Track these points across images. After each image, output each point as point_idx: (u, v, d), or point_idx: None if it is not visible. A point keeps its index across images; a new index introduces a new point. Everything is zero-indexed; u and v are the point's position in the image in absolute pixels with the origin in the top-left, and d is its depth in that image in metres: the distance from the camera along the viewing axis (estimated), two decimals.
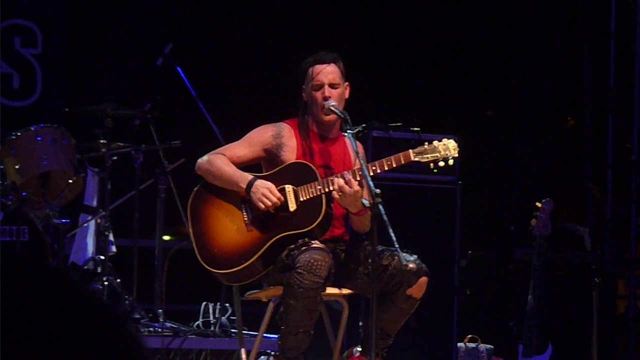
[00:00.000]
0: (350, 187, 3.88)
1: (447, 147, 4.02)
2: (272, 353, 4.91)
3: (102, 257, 5.53)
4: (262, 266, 4.03)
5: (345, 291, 4.14)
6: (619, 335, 6.50)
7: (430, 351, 5.45)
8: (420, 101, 7.32)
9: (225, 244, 4.07)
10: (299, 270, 3.80)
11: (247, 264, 4.00)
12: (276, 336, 4.06)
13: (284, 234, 4.00)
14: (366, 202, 3.80)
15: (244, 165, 4.13)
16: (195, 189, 4.16)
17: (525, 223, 4.71)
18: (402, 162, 3.98)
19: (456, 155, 4.04)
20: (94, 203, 5.79)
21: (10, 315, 1.00)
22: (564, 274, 6.19)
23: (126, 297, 5.43)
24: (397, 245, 3.70)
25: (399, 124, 5.46)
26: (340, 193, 3.90)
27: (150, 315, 5.34)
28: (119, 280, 5.53)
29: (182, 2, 7.35)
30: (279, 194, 3.98)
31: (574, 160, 7.36)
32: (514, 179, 7.35)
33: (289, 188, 4.02)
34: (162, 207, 5.48)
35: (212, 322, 5.42)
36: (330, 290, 4.00)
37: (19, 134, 5.48)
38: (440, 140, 4.05)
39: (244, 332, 4.41)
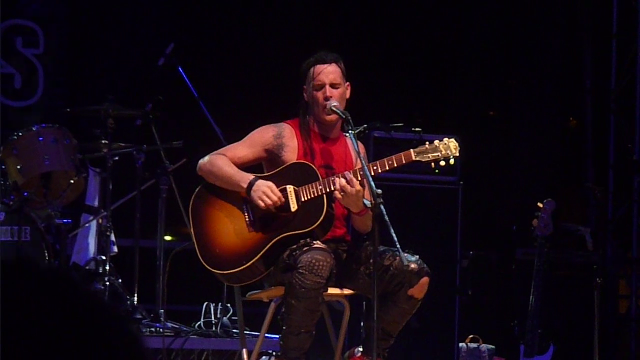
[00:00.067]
0: (352, 186, 3.88)
1: (448, 147, 4.02)
2: (274, 353, 4.91)
3: (104, 257, 5.53)
4: (263, 266, 4.03)
5: (347, 291, 4.14)
6: (620, 335, 6.50)
7: (432, 351, 5.45)
8: (421, 101, 7.32)
9: (226, 244, 4.07)
10: (300, 271, 3.80)
11: (248, 264, 4.00)
12: (278, 336, 4.06)
13: (285, 234, 4.00)
14: (367, 202, 3.80)
15: (245, 166, 4.13)
16: (197, 189, 4.16)
17: (527, 223, 4.71)
18: (403, 161, 3.98)
19: (457, 154, 4.04)
20: (96, 203, 5.79)
21: (11, 315, 1.00)
22: (566, 274, 6.19)
23: (128, 297, 5.43)
24: (398, 246, 3.70)
25: (400, 124, 5.46)
26: (342, 193, 3.90)
27: (152, 315, 5.34)
28: (120, 280, 5.53)
29: (184, 3, 7.35)
30: (279, 193, 3.99)
31: (576, 160, 7.35)
32: (515, 179, 7.35)
33: (290, 188, 4.02)
34: (163, 207, 5.48)
35: (213, 322, 5.42)
36: (331, 290, 4.00)
37: (20, 134, 5.48)
38: (441, 140, 4.05)
39: (245, 332, 4.41)
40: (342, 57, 4.19)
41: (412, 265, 3.93)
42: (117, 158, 5.61)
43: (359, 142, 4.03)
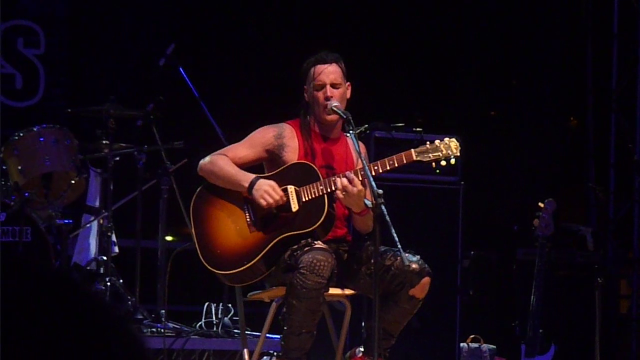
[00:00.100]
0: (354, 186, 3.88)
1: (449, 146, 4.02)
2: (275, 353, 4.91)
3: (105, 258, 5.54)
4: (264, 267, 4.03)
5: (348, 292, 4.14)
6: (621, 335, 6.50)
7: (433, 351, 5.45)
8: (422, 101, 7.32)
9: (227, 244, 4.07)
10: (301, 271, 3.80)
11: (249, 264, 4.00)
12: (279, 337, 4.06)
13: (286, 235, 4.00)
14: (368, 203, 3.80)
15: (246, 166, 4.13)
16: (198, 190, 4.16)
17: (528, 223, 4.71)
18: (404, 161, 3.98)
19: (458, 154, 4.04)
20: (97, 204, 5.79)
21: (12, 315, 1.00)
22: (567, 274, 6.19)
23: (129, 297, 5.43)
24: (399, 246, 3.70)
25: (401, 124, 5.46)
26: (344, 193, 3.89)
27: (153, 315, 5.34)
28: (121, 280, 5.53)
29: (185, 3, 7.35)
30: (281, 192, 3.99)
31: (577, 160, 7.35)
32: (516, 179, 7.35)
33: (291, 188, 4.02)
34: (164, 207, 5.48)
35: (214, 322, 5.42)
36: (332, 290, 4.00)
37: (21, 134, 5.48)
38: (442, 140, 4.05)
39: (246, 332, 4.41)
40: (343, 57, 4.19)
41: (414, 266, 3.93)
42: (118, 158, 5.61)
43: (360, 143, 4.03)
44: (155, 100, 5.58)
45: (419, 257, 3.99)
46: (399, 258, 3.88)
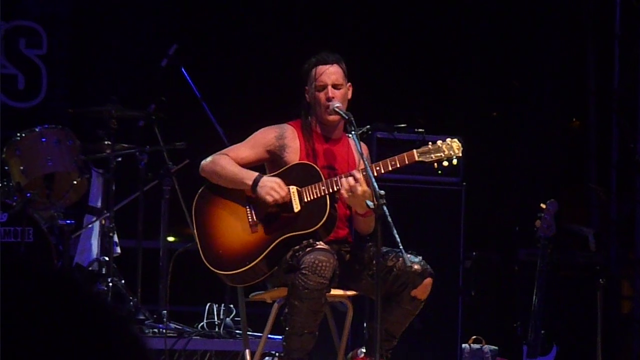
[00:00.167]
0: (360, 185, 3.87)
1: (451, 147, 4.02)
2: (277, 354, 4.91)
3: (107, 258, 5.54)
4: (266, 267, 4.03)
5: (350, 292, 4.14)
6: (623, 336, 6.49)
7: (435, 352, 5.44)
8: (424, 102, 7.32)
9: (229, 245, 4.07)
10: (303, 272, 3.80)
11: (251, 265, 4.01)
12: (281, 337, 4.06)
13: (288, 235, 4.00)
14: (370, 204, 3.80)
15: (248, 167, 4.13)
16: (200, 190, 4.16)
17: (530, 224, 4.71)
18: (406, 162, 3.98)
19: (460, 155, 4.04)
20: (99, 204, 5.79)
21: (13, 316, 1.00)
22: (569, 274, 6.19)
23: (130, 298, 5.44)
24: (401, 247, 3.70)
25: (403, 125, 5.46)
26: (349, 193, 3.89)
27: (155, 316, 5.34)
28: (123, 281, 5.54)
29: (187, 3, 7.35)
30: (286, 188, 3.99)
31: (578, 161, 7.35)
32: (518, 180, 7.35)
33: (293, 189, 4.02)
34: (166, 208, 5.48)
35: (216, 323, 5.43)
36: (334, 291, 4.00)
37: (23, 135, 5.49)
38: (444, 141, 4.05)
39: (248, 333, 4.41)
40: (344, 58, 4.19)
41: (416, 266, 3.93)
42: (120, 159, 5.62)
43: (362, 144, 4.03)
44: (157, 101, 5.59)
45: (420, 257, 3.99)
46: (401, 259, 3.88)
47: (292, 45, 6.77)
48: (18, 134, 5.49)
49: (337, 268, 3.87)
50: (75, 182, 5.53)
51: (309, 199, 4.00)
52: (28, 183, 5.43)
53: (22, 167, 5.43)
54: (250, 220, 4.07)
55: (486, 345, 5.52)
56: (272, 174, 4.11)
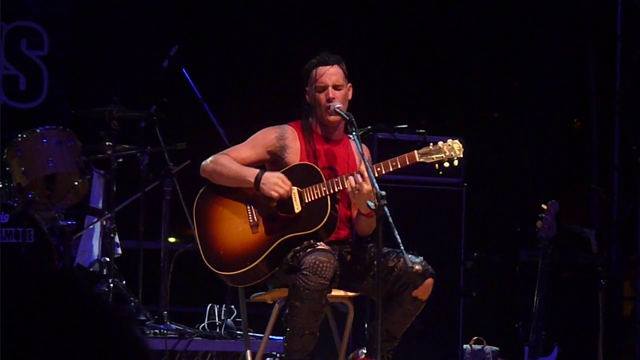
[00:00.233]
0: (365, 183, 3.87)
1: (452, 148, 4.02)
2: (278, 355, 4.91)
3: (108, 259, 5.54)
4: (267, 268, 4.03)
5: (351, 293, 4.14)
6: (625, 337, 6.49)
7: (436, 353, 5.44)
8: (425, 103, 7.31)
9: (230, 245, 4.07)
10: (304, 272, 3.80)
11: (252, 265, 4.01)
12: (282, 338, 4.06)
13: (289, 236, 4.00)
14: (372, 204, 3.79)
15: None
16: (201, 191, 4.16)
17: (531, 225, 4.71)
18: (407, 162, 3.98)
19: (461, 155, 4.03)
20: (100, 205, 5.79)
21: (14, 316, 1.00)
22: (570, 275, 6.18)
23: (132, 299, 5.44)
24: (402, 247, 3.70)
25: (404, 125, 5.46)
26: (356, 191, 3.89)
27: (156, 317, 5.34)
28: (124, 282, 5.54)
29: (188, 4, 7.35)
30: (290, 183, 3.99)
31: (580, 162, 7.34)
32: (519, 180, 7.34)
33: (294, 190, 4.02)
34: (167, 209, 5.48)
35: (217, 324, 5.43)
36: (335, 292, 4.00)
37: (24, 135, 5.49)
38: (445, 141, 4.05)
39: (249, 334, 4.41)
40: (345, 59, 4.19)
41: (417, 267, 3.93)
42: (121, 160, 5.62)
43: (363, 145, 4.03)
44: (158, 102, 5.59)
45: (422, 258, 3.99)
46: (402, 259, 3.88)
47: (292, 45, 6.77)
48: (19, 135, 5.49)
49: (338, 269, 3.87)
50: (76, 183, 5.53)
51: (309, 200, 4.00)
52: (29, 184, 5.43)
53: (23, 168, 5.43)
54: (251, 220, 4.07)
55: (487, 346, 5.51)
56: None
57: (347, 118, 4.02)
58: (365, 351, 4.15)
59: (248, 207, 4.09)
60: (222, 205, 4.12)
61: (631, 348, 6.42)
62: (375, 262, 3.80)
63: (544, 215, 4.63)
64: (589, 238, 6.33)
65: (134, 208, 5.71)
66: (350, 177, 3.92)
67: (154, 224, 5.59)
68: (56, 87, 7.02)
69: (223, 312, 5.45)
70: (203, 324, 5.42)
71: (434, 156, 4.00)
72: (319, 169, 4.04)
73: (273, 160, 4.13)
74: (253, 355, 4.26)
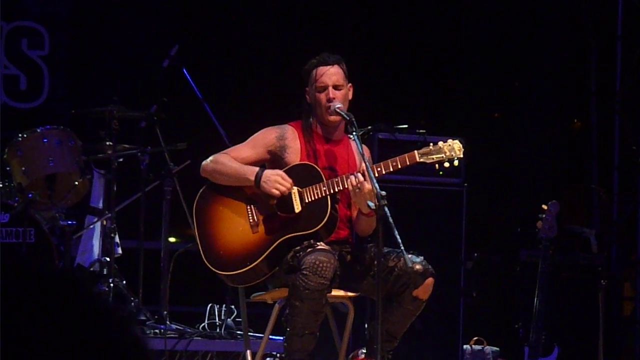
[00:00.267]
0: (368, 183, 3.87)
1: (452, 148, 4.02)
2: (278, 355, 4.91)
3: (108, 259, 5.54)
4: (267, 268, 4.03)
5: (351, 293, 4.14)
6: (625, 337, 6.49)
7: (436, 353, 5.44)
8: (425, 103, 7.31)
9: (230, 245, 4.07)
10: (304, 272, 3.80)
11: (252, 265, 4.01)
12: (282, 338, 4.06)
13: (289, 236, 4.00)
14: (372, 205, 3.80)
15: None
16: (201, 190, 4.16)
17: (531, 225, 4.71)
18: (407, 163, 3.98)
19: (461, 155, 4.03)
20: (100, 205, 5.80)
21: (15, 316, 1.00)
22: (570, 276, 6.18)
23: (132, 298, 5.44)
24: (402, 247, 3.70)
25: (404, 125, 5.46)
26: (357, 189, 3.89)
27: (156, 317, 5.34)
28: (124, 282, 5.54)
29: (188, 4, 7.35)
30: (290, 180, 3.99)
31: (580, 161, 7.34)
32: (519, 181, 7.34)
33: (294, 189, 4.02)
34: (167, 209, 5.48)
35: (217, 324, 5.43)
36: (336, 292, 4.00)
37: (25, 135, 5.49)
38: (445, 142, 4.05)
39: (249, 334, 4.41)
40: (345, 59, 4.19)
41: (417, 267, 3.93)
42: (121, 160, 5.62)
43: (363, 145, 4.03)
44: (159, 102, 5.59)
45: (422, 257, 3.99)
46: (402, 259, 3.88)
47: (292, 45, 6.77)
48: (20, 135, 5.50)
49: (338, 269, 3.87)
50: (76, 183, 5.53)
51: (310, 200, 4.00)
52: (29, 184, 5.43)
53: (23, 168, 5.43)
54: (251, 220, 4.07)
55: (487, 347, 5.51)
56: None
57: (348, 118, 4.02)
58: (364, 351, 4.15)
59: (248, 207, 4.09)
60: (222, 205, 4.12)
61: (631, 348, 6.42)
62: (376, 262, 3.80)
63: (544, 215, 4.63)
64: (589, 238, 6.33)
65: (134, 208, 5.72)
66: (352, 176, 3.93)
67: (154, 223, 5.59)
68: (57, 87, 7.02)
69: (223, 312, 5.45)
70: (203, 324, 5.42)
71: (434, 156, 4.00)
72: (319, 169, 4.04)
73: (273, 160, 4.13)
74: (253, 355, 4.26)
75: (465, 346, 5.47)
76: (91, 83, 7.15)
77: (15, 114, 6.76)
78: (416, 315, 4.03)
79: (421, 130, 5.38)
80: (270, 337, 4.25)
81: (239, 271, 4.02)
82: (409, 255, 3.84)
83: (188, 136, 5.65)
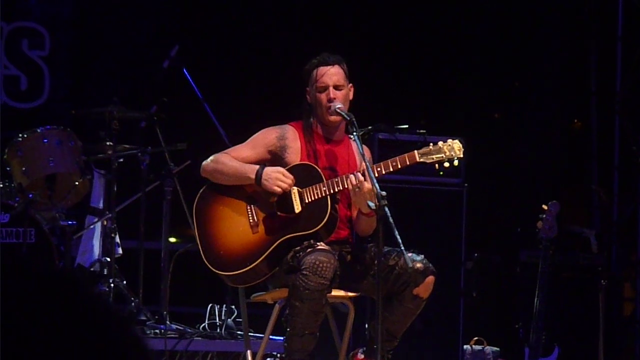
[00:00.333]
0: (368, 183, 3.87)
1: (452, 148, 4.02)
2: (278, 355, 4.91)
3: (108, 259, 5.54)
4: (267, 268, 4.03)
5: (351, 293, 4.14)
6: (625, 337, 6.49)
7: (436, 353, 5.44)
8: (425, 103, 7.32)
9: (230, 245, 4.08)
10: (304, 272, 3.81)
11: (252, 265, 4.01)
12: (282, 338, 4.06)
13: (289, 236, 4.00)
14: (372, 205, 3.80)
15: None
16: (201, 191, 4.16)
17: (531, 225, 4.71)
18: (407, 162, 3.98)
19: (461, 155, 4.04)
20: (100, 205, 5.80)
21: (14, 316, 1.00)
22: (570, 276, 6.18)
23: (132, 299, 5.44)
24: (402, 247, 3.70)
25: (405, 126, 5.46)
26: (357, 189, 3.89)
27: (156, 317, 5.34)
28: (125, 282, 5.54)
29: (188, 5, 7.36)
30: (291, 175, 3.99)
31: (580, 161, 7.34)
32: (519, 181, 7.34)
33: (294, 190, 4.03)
34: (168, 209, 5.48)
35: (218, 324, 5.43)
36: (336, 292, 4.00)
37: (25, 135, 5.49)
38: (445, 141, 4.05)
39: (250, 334, 4.42)
40: (346, 59, 4.19)
41: (418, 265, 3.93)
42: (121, 160, 5.62)
43: (364, 145, 4.03)
44: (159, 102, 5.59)
45: (422, 256, 3.99)
46: (402, 258, 3.88)
47: (293, 45, 6.78)
48: (20, 135, 5.50)
49: (338, 269, 3.87)
50: (77, 183, 5.53)
51: (310, 200, 4.01)
52: (30, 184, 5.44)
53: (23, 168, 5.43)
54: (251, 220, 4.07)
55: (488, 347, 5.51)
56: None
57: (348, 118, 4.02)
58: (364, 350, 4.15)
59: (248, 207, 4.09)
60: (223, 205, 4.12)
61: (631, 348, 6.42)
62: (376, 262, 3.80)
63: (544, 215, 4.63)
64: (589, 238, 6.33)
65: (134, 208, 5.72)
66: (352, 175, 3.93)
67: (155, 224, 5.60)
68: (57, 87, 7.03)
69: (223, 312, 5.45)
70: (203, 324, 5.42)
71: (434, 156, 4.00)
72: (319, 169, 4.05)
73: (273, 160, 4.13)
74: (253, 356, 4.26)
75: (465, 346, 5.47)
76: (91, 83, 7.15)
77: (16, 114, 6.77)
78: (416, 314, 4.03)
79: (421, 130, 5.38)
80: (271, 337, 4.25)
81: (239, 271, 4.03)
82: (409, 255, 3.84)
83: (188, 136, 5.65)
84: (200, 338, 5.22)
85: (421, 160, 3.99)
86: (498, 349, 5.54)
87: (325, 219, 3.98)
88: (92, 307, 1.06)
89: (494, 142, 7.31)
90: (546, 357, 4.85)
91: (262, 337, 4.32)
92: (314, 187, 4.01)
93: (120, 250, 5.67)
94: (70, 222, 5.47)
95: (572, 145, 7.50)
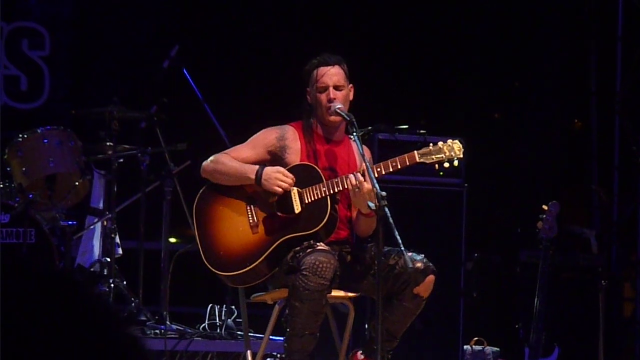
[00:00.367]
0: (367, 183, 3.87)
1: (452, 148, 4.02)
2: (278, 355, 4.91)
3: (108, 259, 5.54)
4: (267, 268, 4.03)
5: (351, 293, 4.14)
6: (625, 337, 6.49)
7: (436, 353, 5.44)
8: (425, 103, 7.32)
9: (230, 246, 4.08)
10: (304, 273, 3.81)
11: (252, 266, 4.01)
12: (282, 338, 4.06)
13: (289, 236, 4.00)
14: (372, 205, 3.80)
15: None
16: (201, 191, 4.16)
17: (531, 225, 4.71)
18: (407, 163, 3.98)
19: (461, 156, 4.03)
20: (101, 205, 5.80)
21: (14, 316, 1.00)
22: (570, 276, 6.18)
23: (132, 299, 5.44)
24: (402, 248, 3.70)
25: (405, 126, 5.46)
26: (357, 189, 3.89)
27: (157, 317, 5.34)
28: (125, 282, 5.54)
29: (188, 5, 7.36)
30: (291, 175, 3.99)
31: (580, 162, 7.34)
32: (519, 181, 7.34)
33: (293, 190, 4.03)
34: (168, 209, 5.49)
35: (218, 324, 5.43)
36: (336, 292, 4.00)
37: (25, 136, 5.49)
38: (445, 142, 4.05)
39: (250, 334, 4.42)
40: (346, 59, 4.19)
41: (418, 264, 3.93)
42: (121, 160, 5.62)
43: (364, 146, 4.03)
44: (159, 102, 5.59)
45: (422, 255, 3.99)
46: (402, 258, 3.88)
47: (293, 45, 6.78)
48: (20, 135, 5.50)
49: (337, 269, 3.87)
50: (77, 184, 5.53)
51: (309, 200, 4.01)
52: (30, 184, 5.44)
53: (24, 168, 5.44)
54: (251, 221, 4.07)
55: (488, 347, 5.51)
56: None
57: (348, 119, 4.02)
58: (363, 351, 4.15)
59: (248, 207, 4.09)
60: (222, 205, 4.12)
61: (631, 348, 6.42)
62: (376, 261, 3.80)
63: (544, 215, 4.64)
64: (589, 239, 6.33)
65: (134, 208, 5.72)
66: (351, 176, 3.93)
67: (155, 224, 5.60)
68: (57, 88, 7.03)
69: (223, 312, 5.45)
70: (203, 325, 5.42)
71: (434, 156, 4.00)
72: (319, 170, 4.05)
73: (273, 161, 4.13)
74: (253, 356, 4.26)
75: (465, 346, 5.47)
76: (91, 83, 7.16)
77: (16, 115, 6.77)
78: (416, 314, 4.03)
79: (421, 131, 5.38)
80: (271, 337, 4.25)
81: (239, 272, 4.03)
82: (409, 254, 3.84)
83: (188, 136, 5.65)
84: (200, 338, 5.22)
85: (421, 160, 3.99)
86: (498, 349, 5.54)
87: (325, 220, 3.98)
88: (92, 308, 1.06)
89: (494, 142, 7.31)
90: (546, 357, 4.85)
91: (262, 337, 4.32)
92: (313, 187, 4.01)
93: (120, 251, 5.67)
94: (70, 223, 5.48)
95: (572, 145, 7.50)
